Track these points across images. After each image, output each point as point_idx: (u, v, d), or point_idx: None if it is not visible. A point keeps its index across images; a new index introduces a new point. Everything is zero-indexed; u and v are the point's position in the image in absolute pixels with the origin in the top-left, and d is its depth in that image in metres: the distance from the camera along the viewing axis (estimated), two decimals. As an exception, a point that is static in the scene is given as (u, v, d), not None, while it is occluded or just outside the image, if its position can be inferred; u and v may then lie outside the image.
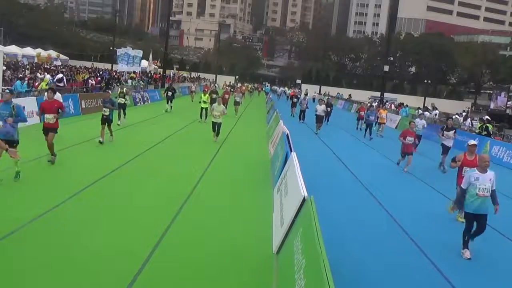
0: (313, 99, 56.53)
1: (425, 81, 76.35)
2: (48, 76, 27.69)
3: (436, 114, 38.28)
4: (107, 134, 15.26)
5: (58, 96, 15.69)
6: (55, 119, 11.34)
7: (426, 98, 69.43)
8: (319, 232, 5.04)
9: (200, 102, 24.42)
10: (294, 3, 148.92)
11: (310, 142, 20.95)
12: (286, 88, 73.75)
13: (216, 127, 17.41)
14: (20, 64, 42.35)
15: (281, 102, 50.16)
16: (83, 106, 23.18)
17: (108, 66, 60.15)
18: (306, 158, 13.22)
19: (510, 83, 55.16)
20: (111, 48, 66.49)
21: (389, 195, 11.88)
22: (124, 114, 20.69)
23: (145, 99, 34.38)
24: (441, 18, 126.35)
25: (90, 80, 33.12)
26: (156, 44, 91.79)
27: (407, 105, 41.90)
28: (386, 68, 41.17)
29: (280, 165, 11.27)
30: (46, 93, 12.15)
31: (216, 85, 49.22)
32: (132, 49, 41.03)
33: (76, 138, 15.35)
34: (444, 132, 16.25)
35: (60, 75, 28.86)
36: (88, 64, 61.98)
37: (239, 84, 64.26)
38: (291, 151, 10.45)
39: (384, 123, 27.80)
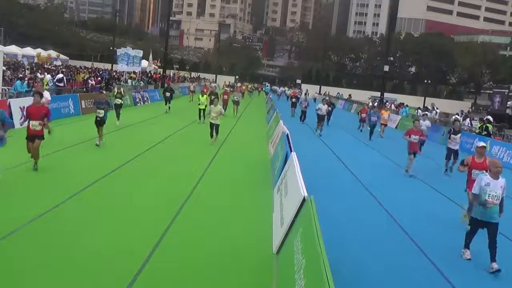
0: (314, 100, 56.57)
1: (425, 81, 76.36)
2: (48, 76, 27.69)
3: (436, 114, 38.28)
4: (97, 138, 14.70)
5: (46, 94, 14.90)
6: (41, 126, 10.48)
7: (426, 98, 69.44)
8: (319, 232, 5.04)
9: (199, 104, 24.21)
10: (294, 3, 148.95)
11: (310, 142, 20.95)
12: (286, 88, 73.76)
13: (213, 128, 17.23)
14: (20, 64, 42.36)
15: (281, 102, 50.16)
16: (83, 106, 23.19)
17: (108, 66, 60.17)
18: (306, 158, 13.22)
19: (510, 83, 55.14)
20: (111, 48, 66.51)
21: (389, 195, 11.88)
22: (119, 115, 19.95)
23: (145, 99, 34.39)
24: (441, 18, 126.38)
25: (90, 80, 33.14)
26: (156, 44, 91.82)
27: (407, 105, 41.91)
28: (386, 68, 41.16)
29: (280, 165, 11.27)
30: (33, 97, 11.12)
31: (216, 85, 49.19)
32: (132, 49, 41.00)
33: (76, 138, 15.34)
34: (451, 135, 15.92)
35: (60, 75, 28.87)
36: (88, 64, 62.01)
37: (238, 84, 64.22)
38: (291, 151, 10.45)
39: (386, 125, 26.97)
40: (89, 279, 5.71)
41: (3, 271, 5.68)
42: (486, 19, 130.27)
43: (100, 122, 14.45)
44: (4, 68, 26.58)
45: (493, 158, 9.02)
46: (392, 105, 46.93)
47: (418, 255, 7.78)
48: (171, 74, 64.06)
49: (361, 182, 13.08)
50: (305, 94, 44.28)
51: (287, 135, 13.14)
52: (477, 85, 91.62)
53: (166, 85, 37.50)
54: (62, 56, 61.20)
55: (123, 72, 41.00)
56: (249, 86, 69.00)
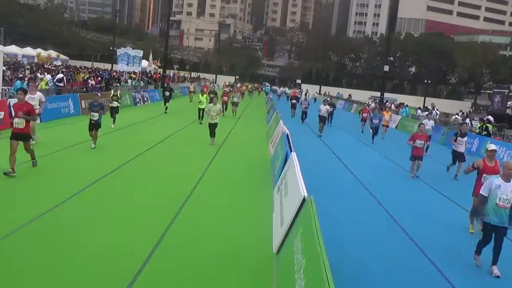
0: (314, 100, 56.56)
1: (425, 81, 76.38)
2: (48, 76, 27.70)
3: (437, 115, 38.27)
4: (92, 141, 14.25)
5: (39, 95, 14.01)
6: (24, 123, 10.05)
7: (426, 98, 69.47)
8: (319, 232, 5.04)
9: (199, 102, 24.16)
10: (294, 3, 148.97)
11: (310, 142, 20.95)
12: (286, 88, 73.77)
13: (212, 128, 16.91)
14: (20, 64, 42.38)
15: (281, 102, 50.15)
16: (83, 106, 23.17)
17: (108, 66, 60.19)
18: (306, 158, 13.22)
19: (510, 83, 55.16)
20: (111, 48, 66.54)
21: (389, 195, 11.88)
22: (114, 118, 19.20)
23: (145, 99, 34.39)
24: (441, 18, 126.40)
25: (90, 80, 33.16)
26: (156, 44, 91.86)
27: (407, 105, 41.93)
28: (386, 68, 41.13)
29: (280, 165, 11.27)
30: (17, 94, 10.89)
31: (216, 85, 49.15)
32: (132, 49, 41.00)
33: (76, 138, 15.32)
34: (458, 138, 15.56)
35: (60, 75, 28.88)
36: (88, 64, 62.04)
37: (238, 84, 64.19)
38: (291, 151, 10.45)
39: (388, 126, 26.56)
40: (89, 279, 5.71)
41: (3, 271, 5.68)
42: (486, 19, 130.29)
43: (94, 126, 13.97)
44: (4, 68, 26.59)
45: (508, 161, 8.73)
46: (392, 105, 46.92)
47: (418, 255, 7.78)
48: (171, 74, 64.05)
49: (361, 182, 13.08)
50: (305, 94, 44.18)
51: (287, 135, 13.14)
52: (477, 85, 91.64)
53: (166, 85, 37.47)
54: (62, 56, 61.23)
55: (123, 72, 41.01)
56: (249, 86, 68.99)
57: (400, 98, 69.06)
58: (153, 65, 55.18)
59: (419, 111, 39.58)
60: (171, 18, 63.56)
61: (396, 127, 33.89)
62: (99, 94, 16.53)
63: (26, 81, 23.43)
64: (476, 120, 31.56)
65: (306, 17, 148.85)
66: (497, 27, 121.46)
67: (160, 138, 17.51)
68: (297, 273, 5.02)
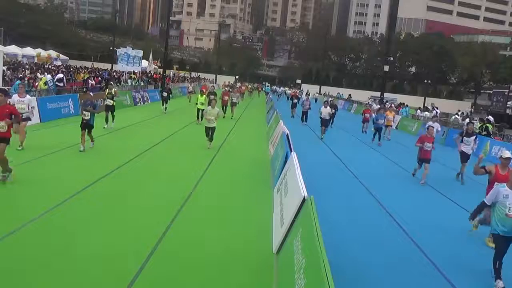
0: (315, 100, 56.56)
1: (425, 81, 76.41)
2: (48, 76, 27.70)
3: (437, 114, 38.27)
4: (88, 141, 13.84)
5: (28, 99, 13.54)
6: (6, 127, 9.32)
7: (426, 98, 69.47)
8: (319, 232, 5.04)
9: (196, 104, 24.09)
10: (294, 3, 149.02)
11: (311, 142, 20.94)
12: (286, 88, 73.78)
13: (209, 132, 16.03)
14: (20, 64, 42.39)
15: (281, 102, 50.14)
16: (83, 106, 23.17)
17: (108, 66, 60.22)
18: (307, 158, 13.22)
19: (510, 83, 55.19)
20: (111, 48, 66.55)
21: (389, 196, 11.87)
22: (113, 117, 19.04)
23: (145, 99, 34.39)
24: (441, 18, 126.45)
25: (90, 80, 33.18)
26: (156, 44, 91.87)
27: (407, 105, 41.92)
28: (386, 68, 41.14)
29: (280, 165, 11.27)
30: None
31: (216, 85, 49.12)
32: (132, 49, 41.00)
33: (76, 138, 15.27)
34: (464, 138, 14.95)
35: (60, 75, 28.89)
36: (88, 64, 62.08)
37: (238, 84, 64.16)
38: (291, 151, 10.44)
39: (391, 126, 26.17)
40: (89, 279, 5.71)
41: (3, 271, 5.68)
42: (486, 19, 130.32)
43: (85, 126, 13.44)
44: (4, 68, 26.61)
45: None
46: (392, 105, 46.91)
47: (418, 255, 7.77)
48: (171, 74, 64.05)
49: (362, 183, 13.07)
50: (307, 94, 44.04)
51: (287, 135, 13.13)
52: (477, 85, 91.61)
53: (165, 85, 37.46)
54: (62, 56, 61.26)
55: (123, 72, 41.02)
56: (249, 86, 69.01)
57: (400, 98, 69.08)
58: (153, 65, 55.17)
59: (419, 111, 39.59)
60: (171, 18, 63.51)
61: (396, 127, 33.87)
62: (91, 93, 15.98)
63: (26, 81, 23.47)
64: (476, 120, 31.55)
65: (306, 17, 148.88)
66: (497, 27, 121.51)
67: (160, 138, 17.49)
68: (297, 273, 5.02)
